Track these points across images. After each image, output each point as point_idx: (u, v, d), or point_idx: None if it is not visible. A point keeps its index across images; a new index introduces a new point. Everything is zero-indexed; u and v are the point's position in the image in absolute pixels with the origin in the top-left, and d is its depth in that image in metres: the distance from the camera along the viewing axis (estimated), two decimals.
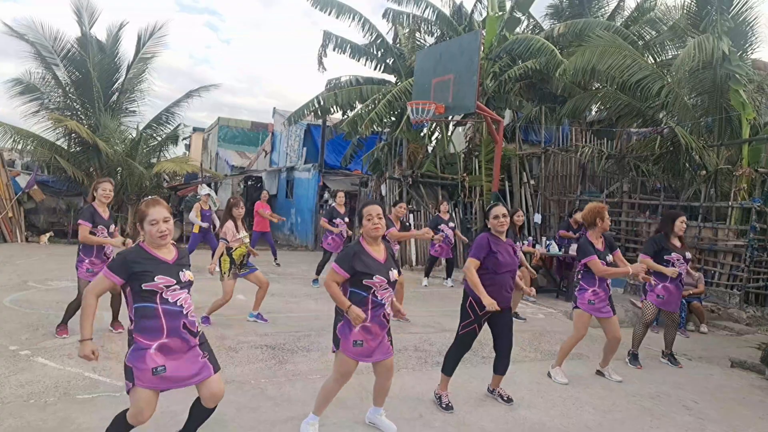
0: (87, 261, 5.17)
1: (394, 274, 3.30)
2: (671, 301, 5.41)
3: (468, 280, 3.95)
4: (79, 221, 5.14)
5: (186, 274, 2.87)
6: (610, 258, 4.79)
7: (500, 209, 4.05)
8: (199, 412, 2.96)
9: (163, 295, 2.75)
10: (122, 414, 2.79)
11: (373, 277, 3.19)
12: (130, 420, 2.75)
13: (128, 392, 2.72)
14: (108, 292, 5.30)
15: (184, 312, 2.80)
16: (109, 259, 5.17)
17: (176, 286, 2.79)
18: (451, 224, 9.57)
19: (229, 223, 5.99)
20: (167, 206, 2.93)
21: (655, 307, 5.49)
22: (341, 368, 3.28)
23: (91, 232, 5.11)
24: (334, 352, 3.33)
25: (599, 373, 5.08)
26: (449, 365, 4.05)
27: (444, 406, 3.95)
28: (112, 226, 5.32)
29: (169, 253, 2.89)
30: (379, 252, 3.32)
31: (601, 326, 4.92)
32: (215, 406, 2.94)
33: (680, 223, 5.39)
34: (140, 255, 2.80)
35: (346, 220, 8.84)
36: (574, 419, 3.98)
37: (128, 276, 2.72)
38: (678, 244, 5.43)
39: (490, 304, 3.75)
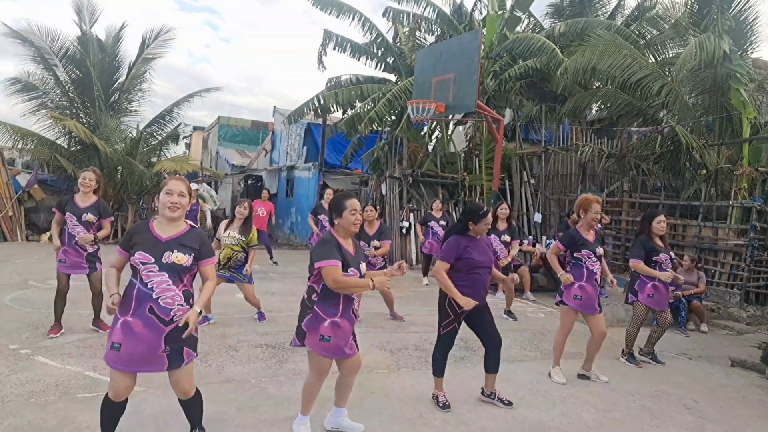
0: (61, 250, 5.10)
1: (363, 268, 3.26)
2: (661, 300, 5.40)
3: (439, 283, 3.92)
4: (53, 209, 5.20)
5: (172, 256, 2.76)
6: (600, 250, 4.78)
7: (489, 218, 4.07)
8: (183, 405, 2.99)
9: (141, 273, 2.75)
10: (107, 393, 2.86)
11: (348, 269, 3.14)
12: (109, 393, 2.80)
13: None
14: (90, 291, 5.27)
15: (154, 296, 2.73)
16: (87, 251, 5.13)
17: (153, 266, 2.74)
18: (442, 222, 9.59)
19: (224, 222, 6.00)
20: (188, 186, 2.93)
21: (646, 306, 5.44)
22: (316, 366, 3.21)
23: (64, 221, 5.09)
24: (296, 345, 3.25)
25: (583, 377, 4.88)
26: (438, 366, 4.03)
27: (441, 405, 3.94)
28: (87, 215, 5.07)
29: (168, 231, 2.84)
30: (350, 245, 3.27)
31: (586, 322, 4.86)
32: (194, 399, 2.96)
33: (657, 224, 5.30)
34: (140, 228, 2.87)
35: None
36: (573, 418, 3.98)
37: (129, 247, 2.79)
38: (661, 244, 5.38)
39: (466, 303, 3.76)
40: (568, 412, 4.09)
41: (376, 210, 7.02)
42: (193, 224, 2.99)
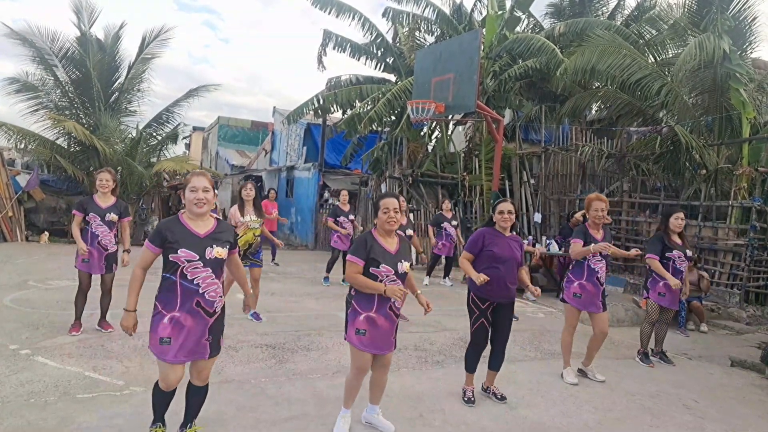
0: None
1: (403, 266, 3.30)
2: (672, 298, 5.41)
3: (462, 269, 4.08)
4: (72, 211, 5.28)
5: (214, 251, 2.87)
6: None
7: (506, 205, 4.09)
8: (192, 393, 3.07)
9: (184, 270, 2.83)
10: (156, 382, 3.00)
11: (380, 266, 3.22)
12: (161, 384, 2.95)
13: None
14: (99, 290, 5.31)
15: (200, 291, 2.85)
16: (108, 251, 5.21)
17: (198, 263, 2.84)
18: (454, 222, 9.60)
19: (234, 207, 5.88)
20: (210, 179, 3.00)
21: (658, 305, 5.47)
22: (355, 360, 3.32)
23: (85, 221, 5.19)
24: (345, 339, 3.37)
25: (581, 372, 4.96)
26: (469, 363, 4.13)
27: (466, 400, 4.04)
28: (110, 215, 5.21)
29: (202, 227, 2.92)
30: (390, 244, 3.33)
31: (590, 320, 4.91)
32: (205, 386, 3.05)
33: (675, 220, 5.36)
34: (173, 224, 2.90)
35: (351, 218, 8.93)
36: (573, 418, 3.98)
37: (162, 243, 2.83)
38: (679, 241, 5.41)
39: (476, 277, 3.84)
40: (568, 412, 4.09)
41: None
42: (218, 216, 3.10)
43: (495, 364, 4.17)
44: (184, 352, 2.84)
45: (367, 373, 3.37)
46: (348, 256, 3.29)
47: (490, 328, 4.08)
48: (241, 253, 5.84)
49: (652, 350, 5.73)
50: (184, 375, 2.96)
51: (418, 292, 3.49)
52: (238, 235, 5.64)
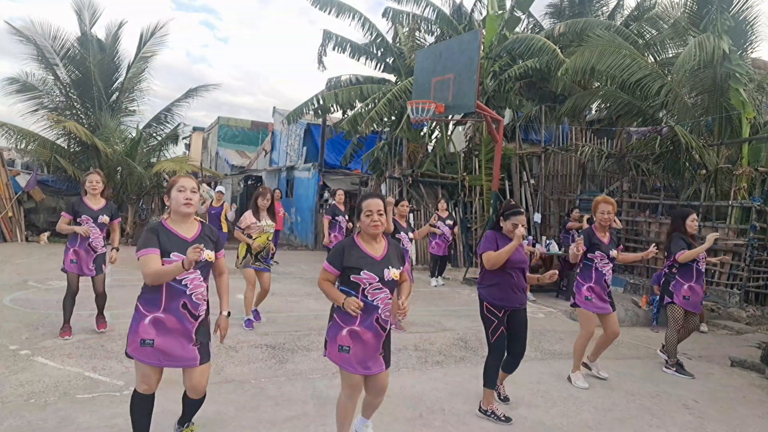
0: (71, 251, 5.15)
1: (390, 273, 2.93)
2: (696, 301, 5.27)
3: (494, 263, 3.80)
4: (61, 213, 5.22)
5: (204, 254, 2.76)
6: (613, 253, 4.73)
7: (522, 219, 3.86)
8: (188, 402, 3.02)
9: None
10: (134, 390, 2.92)
11: (360, 273, 2.88)
12: (137, 387, 2.87)
13: (127, 355, 2.84)
14: (92, 291, 5.30)
15: (188, 293, 2.82)
16: (97, 253, 5.19)
17: None
18: (449, 222, 9.62)
19: (248, 212, 5.89)
20: (197, 182, 3.02)
21: (683, 309, 5.25)
22: (344, 379, 2.97)
23: (77, 223, 5.14)
24: (324, 356, 3.04)
25: (585, 365, 4.93)
26: (490, 377, 3.88)
27: (504, 418, 3.80)
28: (103, 217, 5.19)
29: (188, 231, 2.91)
30: (374, 249, 2.98)
31: (599, 322, 4.87)
32: (202, 397, 2.99)
33: (691, 222, 5.30)
34: (159, 229, 2.87)
35: (347, 217, 8.91)
36: (573, 418, 3.98)
37: (159, 246, 2.79)
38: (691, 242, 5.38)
39: (513, 244, 3.70)
40: (568, 412, 4.09)
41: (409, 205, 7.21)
42: (202, 220, 3.08)
43: (510, 368, 4.06)
44: (165, 355, 2.77)
45: (360, 393, 3.01)
46: (324, 263, 3.00)
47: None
48: (254, 255, 5.87)
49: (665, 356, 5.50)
50: (162, 378, 2.91)
51: (403, 299, 3.11)
52: (226, 238, 5.70)
